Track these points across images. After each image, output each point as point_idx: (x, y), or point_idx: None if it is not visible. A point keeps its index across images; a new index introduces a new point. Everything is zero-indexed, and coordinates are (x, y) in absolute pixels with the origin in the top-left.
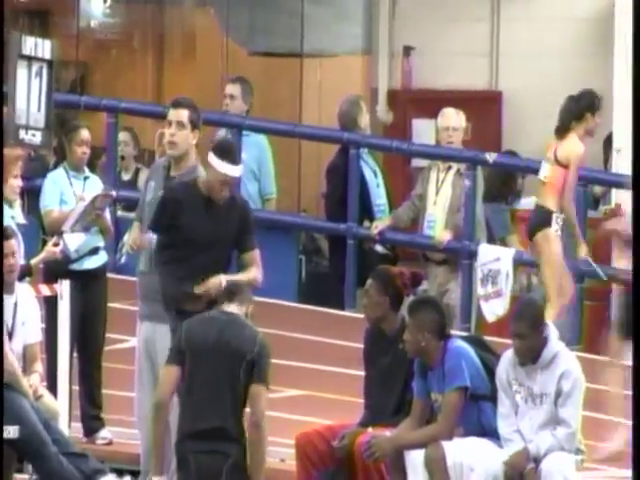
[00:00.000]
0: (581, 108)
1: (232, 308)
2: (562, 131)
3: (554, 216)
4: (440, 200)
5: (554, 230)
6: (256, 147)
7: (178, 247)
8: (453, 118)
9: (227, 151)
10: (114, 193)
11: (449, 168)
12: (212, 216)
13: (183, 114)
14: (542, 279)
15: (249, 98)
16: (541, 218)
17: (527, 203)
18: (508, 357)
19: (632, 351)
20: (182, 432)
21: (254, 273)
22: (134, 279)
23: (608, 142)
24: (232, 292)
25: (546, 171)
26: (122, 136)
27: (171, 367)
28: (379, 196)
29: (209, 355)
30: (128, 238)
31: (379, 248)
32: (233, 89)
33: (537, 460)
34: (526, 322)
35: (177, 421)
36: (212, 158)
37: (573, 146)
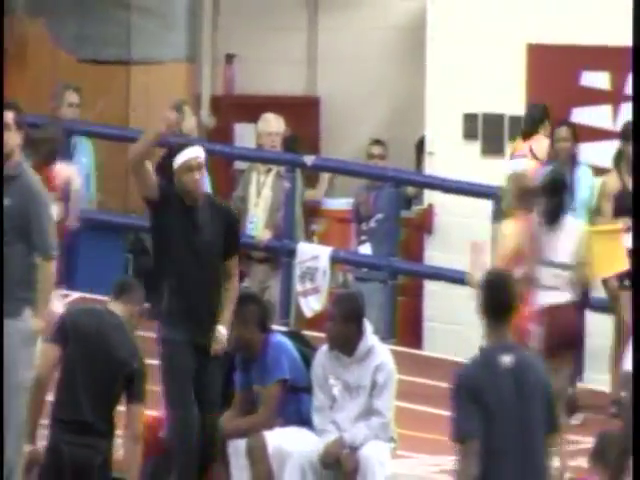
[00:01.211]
0: (542, 114)
1: (118, 307)
2: (530, 133)
3: None
4: (261, 201)
5: None
6: (87, 153)
7: (168, 259)
8: (274, 123)
9: (181, 145)
10: None
11: (269, 170)
12: (195, 222)
13: (7, 116)
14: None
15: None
16: None
17: (340, 203)
18: (324, 352)
19: (632, 350)
20: (55, 418)
21: (235, 294)
22: None
23: (420, 145)
24: (121, 290)
25: (525, 165)
26: None
27: (52, 345)
28: None
29: (90, 350)
30: None
31: None
32: (74, 97)
33: (353, 448)
34: (341, 310)
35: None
36: (174, 165)
37: (544, 142)
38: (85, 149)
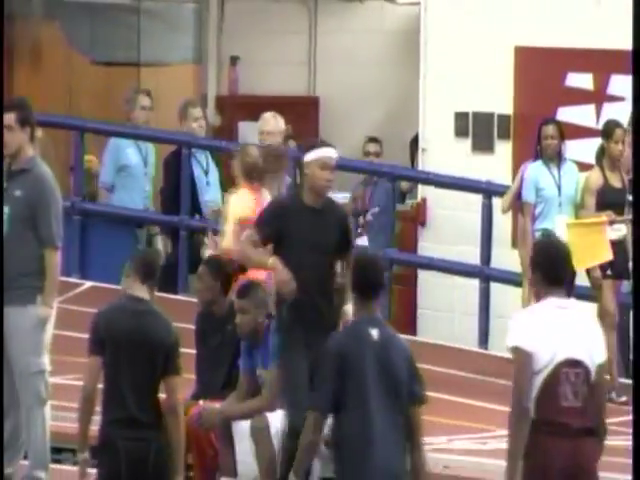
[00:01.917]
0: None
1: (143, 292)
2: None
3: None
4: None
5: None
6: (152, 154)
7: (288, 255)
8: (271, 122)
9: (317, 143)
10: None
11: None
12: (316, 222)
13: (10, 117)
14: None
15: None
16: None
17: (338, 198)
18: None
19: (632, 348)
20: (106, 418)
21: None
22: None
23: (414, 142)
24: (148, 273)
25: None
26: None
27: (93, 358)
28: (207, 193)
29: (129, 346)
30: None
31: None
32: (146, 100)
33: None
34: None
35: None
36: (306, 157)
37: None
38: (151, 151)
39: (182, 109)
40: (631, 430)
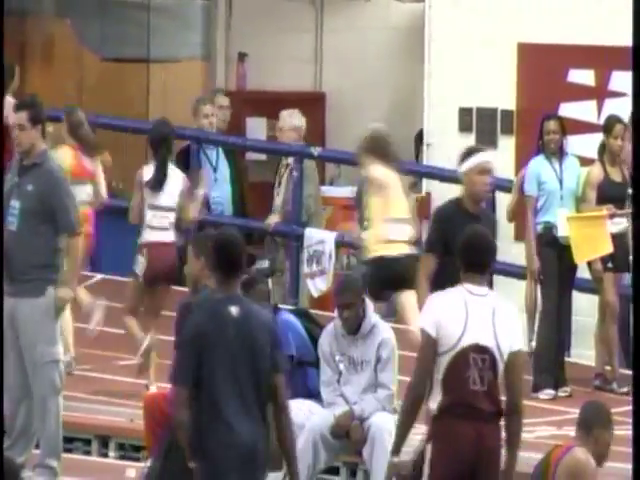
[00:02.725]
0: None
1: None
2: None
3: None
4: (282, 191)
5: None
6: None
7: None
8: (289, 120)
9: (471, 150)
10: None
11: (288, 164)
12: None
13: (22, 117)
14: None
15: None
16: None
17: (345, 191)
18: (330, 330)
19: (632, 351)
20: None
21: None
22: None
23: (419, 137)
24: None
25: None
26: None
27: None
28: (215, 189)
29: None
30: None
31: None
32: (225, 100)
33: (362, 420)
34: (352, 292)
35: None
36: (463, 167)
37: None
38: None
39: (194, 106)
40: (631, 420)
